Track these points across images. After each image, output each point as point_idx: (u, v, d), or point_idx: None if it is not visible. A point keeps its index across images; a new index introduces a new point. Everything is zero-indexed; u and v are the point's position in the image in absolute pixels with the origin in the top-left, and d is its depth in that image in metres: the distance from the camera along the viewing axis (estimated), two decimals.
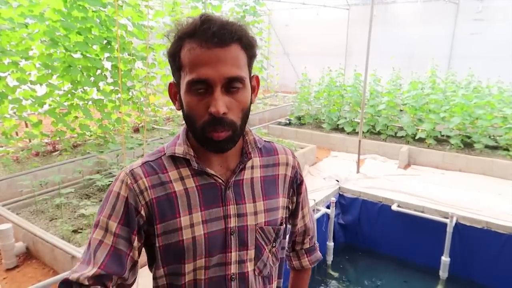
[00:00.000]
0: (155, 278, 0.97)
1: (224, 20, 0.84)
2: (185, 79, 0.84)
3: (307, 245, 1.23)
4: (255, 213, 0.96)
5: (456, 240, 3.97)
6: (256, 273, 0.98)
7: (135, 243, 0.89)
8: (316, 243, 1.26)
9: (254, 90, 0.94)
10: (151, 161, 0.94)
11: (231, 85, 0.83)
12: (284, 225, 1.05)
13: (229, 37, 0.82)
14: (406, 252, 4.36)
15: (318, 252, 1.26)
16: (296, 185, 1.09)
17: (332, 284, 4.18)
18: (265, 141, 1.06)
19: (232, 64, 0.82)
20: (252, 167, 0.99)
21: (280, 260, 1.10)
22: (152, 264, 0.98)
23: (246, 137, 0.98)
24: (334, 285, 4.18)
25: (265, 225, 0.97)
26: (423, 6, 9.91)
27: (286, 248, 1.23)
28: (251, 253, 0.96)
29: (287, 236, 1.19)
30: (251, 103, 0.91)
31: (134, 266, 0.91)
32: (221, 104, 0.81)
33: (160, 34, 6.04)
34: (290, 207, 1.10)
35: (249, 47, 0.87)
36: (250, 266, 0.96)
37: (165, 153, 0.95)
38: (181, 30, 0.85)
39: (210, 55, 0.81)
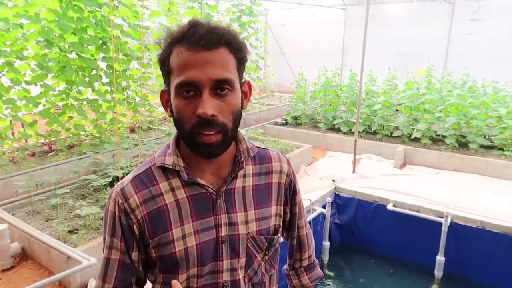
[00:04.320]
0: (152, 283, 1.00)
1: (212, 24, 0.84)
2: (174, 82, 0.84)
3: (306, 262, 1.20)
4: (246, 222, 0.95)
5: (451, 239, 3.99)
6: (246, 280, 0.98)
7: (134, 257, 0.95)
8: (315, 260, 1.23)
9: (246, 95, 0.94)
10: (141, 173, 0.95)
11: (219, 87, 0.83)
12: (279, 233, 1.04)
13: (217, 40, 0.82)
14: (401, 252, 4.37)
15: (319, 269, 1.23)
16: (290, 194, 1.07)
17: (328, 284, 4.19)
18: (259, 147, 1.05)
19: (220, 67, 0.82)
20: (244, 176, 0.98)
21: (276, 268, 1.08)
22: (148, 270, 1.00)
23: (240, 145, 0.97)
24: (330, 284, 4.19)
25: (256, 234, 0.96)
26: (419, 6, 9.95)
27: (286, 266, 1.23)
28: (242, 261, 0.96)
29: (287, 252, 1.19)
30: (242, 108, 0.91)
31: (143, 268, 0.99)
32: (208, 105, 0.80)
33: (156, 34, 6.03)
34: (284, 217, 1.08)
35: (238, 52, 0.87)
36: (241, 274, 0.97)
37: (155, 163, 0.94)
38: (170, 36, 0.85)
39: (197, 58, 0.81)
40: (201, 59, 0.81)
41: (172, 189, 0.92)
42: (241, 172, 0.97)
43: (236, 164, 0.96)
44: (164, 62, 0.87)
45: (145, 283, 1.03)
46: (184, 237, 0.91)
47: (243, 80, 0.92)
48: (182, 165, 0.92)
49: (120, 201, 0.92)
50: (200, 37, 0.81)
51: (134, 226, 0.91)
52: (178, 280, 0.92)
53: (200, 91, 0.82)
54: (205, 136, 0.83)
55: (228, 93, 0.84)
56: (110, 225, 0.93)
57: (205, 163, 0.93)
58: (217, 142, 0.85)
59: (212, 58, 0.81)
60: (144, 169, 0.95)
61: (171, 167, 0.92)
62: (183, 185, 0.92)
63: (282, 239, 1.17)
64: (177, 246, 0.90)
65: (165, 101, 0.93)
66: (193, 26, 0.83)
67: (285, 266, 1.23)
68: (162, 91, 0.94)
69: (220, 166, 0.95)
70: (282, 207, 1.05)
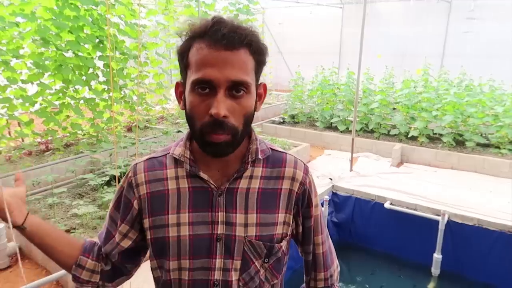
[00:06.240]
0: (151, 269, 1.02)
1: (236, 23, 0.84)
2: (190, 78, 0.84)
3: (321, 284, 1.09)
4: (246, 225, 0.93)
5: (448, 237, 4.00)
6: (241, 284, 0.95)
7: (122, 228, 1.00)
8: (334, 285, 1.11)
9: (260, 97, 0.94)
10: (155, 157, 1.00)
11: (235, 89, 0.83)
12: (284, 242, 0.98)
13: (239, 40, 0.81)
14: (398, 250, 4.39)
15: None
16: (303, 204, 1.00)
17: None
18: (276, 150, 1.01)
19: (239, 68, 0.82)
20: (251, 177, 0.95)
21: (280, 278, 1.03)
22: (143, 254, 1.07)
23: (250, 145, 0.96)
24: None
25: (255, 239, 0.93)
26: (416, 5, 9.96)
27: (303, 285, 1.15)
28: (237, 263, 0.94)
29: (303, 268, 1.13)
30: (255, 110, 0.91)
31: (123, 250, 1.02)
32: (222, 106, 0.80)
33: (153, 33, 6.01)
34: (296, 229, 1.04)
35: (258, 54, 0.87)
36: (234, 276, 0.94)
37: (169, 152, 0.99)
38: (192, 30, 0.85)
39: (217, 57, 0.81)
40: (221, 58, 0.81)
41: (177, 177, 0.95)
42: (247, 173, 0.95)
43: (242, 164, 0.95)
44: (183, 56, 0.87)
45: (136, 263, 1.09)
46: (178, 224, 0.93)
47: (259, 82, 0.92)
48: (188, 156, 0.94)
49: (130, 174, 0.99)
50: (222, 36, 0.80)
51: (135, 201, 0.97)
52: (169, 268, 0.94)
53: (215, 90, 0.82)
54: (214, 135, 0.83)
55: (243, 95, 0.84)
56: (115, 193, 1.03)
57: (211, 159, 0.93)
58: (226, 142, 0.84)
59: (231, 59, 0.81)
60: (160, 154, 1.00)
61: (177, 157, 0.95)
62: (187, 176, 0.95)
63: (292, 249, 1.11)
64: (171, 232, 0.93)
65: (179, 94, 0.94)
66: (217, 23, 0.82)
67: (303, 285, 1.16)
68: (177, 83, 0.94)
69: (228, 164, 0.94)
70: (291, 217, 0.99)
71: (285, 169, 0.98)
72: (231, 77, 0.81)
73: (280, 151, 1.02)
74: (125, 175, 1.00)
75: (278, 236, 0.96)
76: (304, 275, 1.13)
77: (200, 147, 0.89)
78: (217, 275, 0.93)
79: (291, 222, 1.00)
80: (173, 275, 0.94)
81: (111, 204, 1.03)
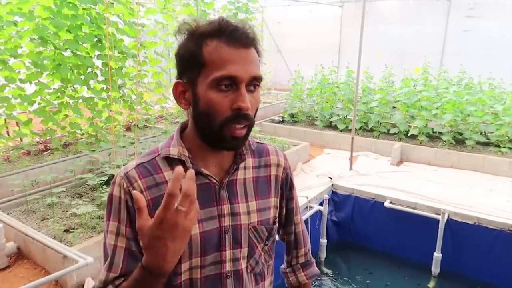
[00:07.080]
0: None
1: (243, 23, 0.89)
2: (211, 75, 0.85)
3: (302, 259, 1.23)
4: (248, 213, 0.99)
5: (448, 236, 4.00)
6: (249, 270, 1.01)
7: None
8: (312, 258, 1.26)
9: None
10: (145, 162, 0.96)
11: (252, 84, 0.88)
12: (277, 224, 1.08)
13: (251, 39, 0.88)
14: (398, 249, 4.38)
15: (315, 267, 1.26)
16: (286, 188, 1.11)
17: (325, 281, 4.19)
18: (258, 142, 1.09)
19: (255, 65, 0.89)
20: (245, 168, 1.02)
21: (273, 259, 1.11)
22: None
23: None
24: (327, 281, 4.19)
25: (258, 224, 1.00)
26: (415, 3, 9.94)
27: (284, 265, 1.26)
28: (244, 251, 0.99)
29: (284, 250, 1.23)
30: None
31: None
32: (247, 100, 0.86)
33: (152, 32, 6.00)
34: (280, 211, 1.12)
35: (259, 52, 0.93)
36: (243, 264, 0.99)
37: (159, 154, 0.96)
38: (199, 30, 0.87)
39: (238, 54, 0.86)
40: (242, 56, 0.86)
41: None
42: (242, 165, 1.01)
43: (238, 156, 1.00)
44: (194, 54, 0.87)
45: None
46: None
47: None
48: (187, 155, 0.94)
49: (125, 185, 0.91)
50: (240, 35, 0.86)
51: None
52: (181, 271, 0.92)
53: (236, 86, 0.86)
54: (237, 130, 0.88)
55: (257, 89, 0.91)
56: (115, 211, 0.92)
57: (210, 155, 0.96)
58: (244, 135, 0.90)
59: (248, 56, 0.88)
60: (149, 159, 0.96)
61: (176, 157, 0.94)
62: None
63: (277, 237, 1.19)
64: None
65: (179, 93, 0.93)
66: (229, 23, 0.87)
67: (283, 265, 1.26)
68: (177, 82, 0.93)
69: (224, 158, 0.98)
70: (278, 200, 1.08)
71: (269, 158, 1.08)
72: (251, 73, 0.87)
73: (261, 143, 1.10)
74: (118, 187, 0.92)
75: (272, 219, 1.05)
76: (285, 256, 1.24)
77: (213, 143, 0.91)
78: (228, 267, 0.97)
79: (278, 205, 1.09)
80: (184, 277, 0.93)
81: (123, 226, 0.91)
